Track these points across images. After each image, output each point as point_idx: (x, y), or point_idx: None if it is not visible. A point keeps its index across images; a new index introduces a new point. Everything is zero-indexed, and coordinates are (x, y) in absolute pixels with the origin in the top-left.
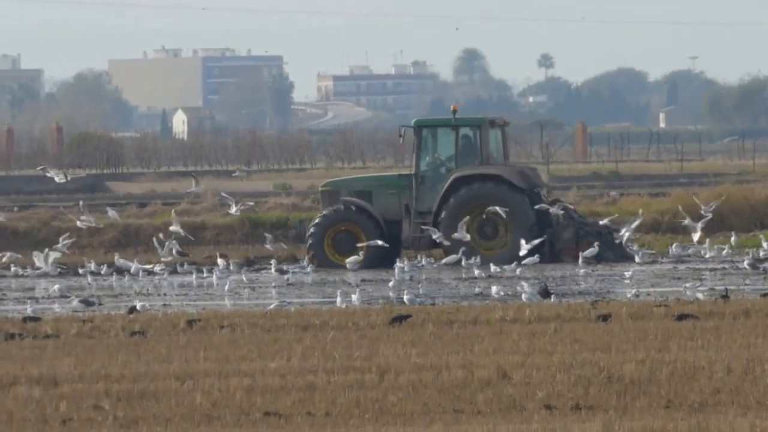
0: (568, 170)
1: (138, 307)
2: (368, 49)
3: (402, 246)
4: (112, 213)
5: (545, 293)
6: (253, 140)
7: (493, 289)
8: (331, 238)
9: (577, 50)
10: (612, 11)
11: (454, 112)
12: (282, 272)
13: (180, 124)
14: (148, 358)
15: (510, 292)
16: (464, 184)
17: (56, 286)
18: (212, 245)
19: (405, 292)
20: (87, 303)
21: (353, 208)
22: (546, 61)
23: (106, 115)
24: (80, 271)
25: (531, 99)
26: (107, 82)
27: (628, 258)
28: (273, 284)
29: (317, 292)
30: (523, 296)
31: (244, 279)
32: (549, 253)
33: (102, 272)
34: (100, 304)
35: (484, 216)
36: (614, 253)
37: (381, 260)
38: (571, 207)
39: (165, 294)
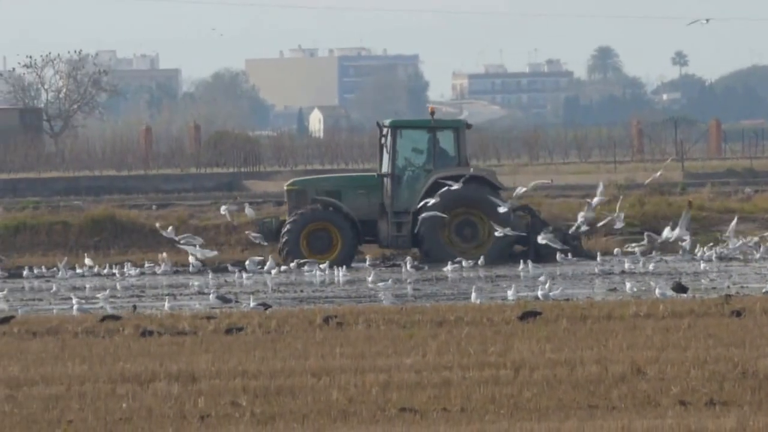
0: (702, 167)
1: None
2: (503, 47)
3: (381, 245)
4: (249, 211)
5: (679, 288)
6: None
7: (627, 285)
8: (305, 238)
9: (711, 48)
10: (745, 8)
11: (432, 113)
12: (417, 269)
13: (316, 122)
14: (285, 354)
15: (644, 288)
16: (448, 185)
17: (196, 283)
18: None
19: (539, 288)
20: (224, 300)
21: (329, 207)
22: (680, 58)
23: (244, 114)
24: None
25: (665, 96)
26: (244, 81)
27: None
28: (408, 280)
29: (453, 288)
30: (656, 291)
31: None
32: (532, 257)
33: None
34: (236, 302)
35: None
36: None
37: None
38: (538, 212)
39: (302, 291)
